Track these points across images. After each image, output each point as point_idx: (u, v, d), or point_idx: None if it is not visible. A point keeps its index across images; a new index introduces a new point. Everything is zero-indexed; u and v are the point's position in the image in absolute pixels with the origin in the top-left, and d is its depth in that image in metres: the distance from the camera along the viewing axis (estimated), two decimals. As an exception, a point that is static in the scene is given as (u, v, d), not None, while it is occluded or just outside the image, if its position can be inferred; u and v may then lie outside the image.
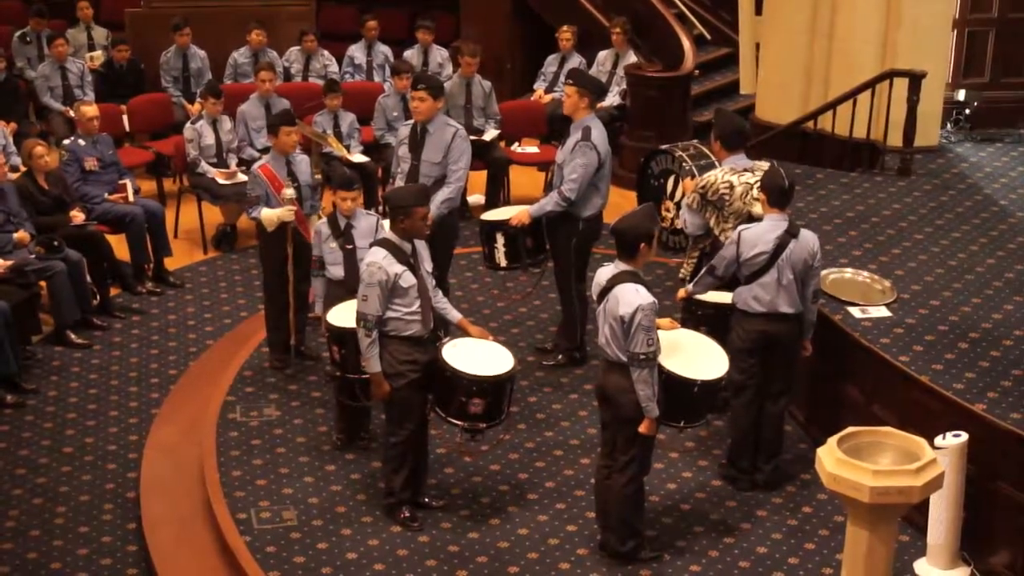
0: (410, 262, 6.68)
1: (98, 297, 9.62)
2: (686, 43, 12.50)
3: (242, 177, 10.39)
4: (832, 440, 5.68)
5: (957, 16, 10.95)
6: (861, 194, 9.73)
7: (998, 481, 6.36)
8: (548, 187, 10.09)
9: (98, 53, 13.12)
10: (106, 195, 9.95)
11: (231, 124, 11.03)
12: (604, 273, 6.40)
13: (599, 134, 8.14)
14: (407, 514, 6.93)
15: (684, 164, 9.92)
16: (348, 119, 11.37)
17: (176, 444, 7.87)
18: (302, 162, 8.58)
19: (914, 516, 6.66)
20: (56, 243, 9.10)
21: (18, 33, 13.30)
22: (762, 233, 6.98)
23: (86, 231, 9.54)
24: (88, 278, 9.42)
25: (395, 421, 6.82)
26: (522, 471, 7.49)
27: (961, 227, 9.10)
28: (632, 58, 12.43)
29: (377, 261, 6.62)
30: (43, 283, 9.10)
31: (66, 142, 10.13)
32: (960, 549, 6.43)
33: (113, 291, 9.85)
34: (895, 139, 10.16)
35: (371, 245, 6.87)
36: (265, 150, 9.58)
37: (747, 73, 11.69)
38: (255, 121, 11.22)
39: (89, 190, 9.88)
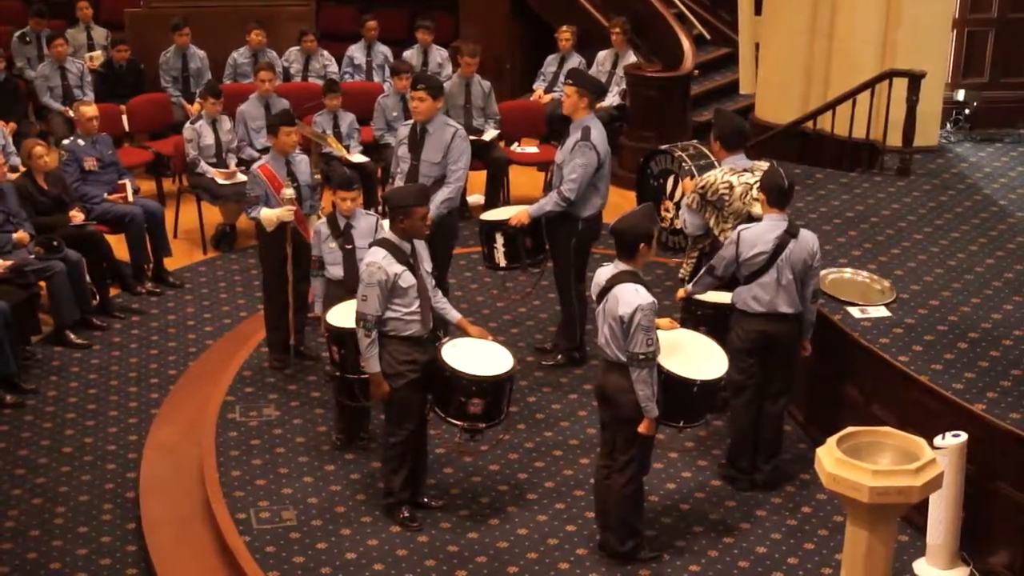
0: (409, 262, 6.68)
1: (97, 297, 9.61)
2: (686, 43, 12.50)
3: (241, 177, 10.39)
4: (831, 440, 5.68)
5: (957, 16, 10.95)
6: (860, 194, 9.73)
7: (997, 481, 6.37)
8: (548, 187, 10.09)
9: (97, 53, 13.12)
10: (105, 195, 9.95)
11: (230, 124, 11.03)
12: (603, 273, 6.40)
13: (598, 134, 8.14)
14: (406, 514, 6.93)
15: (684, 164, 9.92)
16: (348, 119, 11.37)
17: (175, 444, 7.87)
18: (301, 162, 8.58)
19: (913, 516, 6.66)
20: (55, 243, 9.10)
21: (18, 33, 13.30)
22: (761, 233, 6.98)
23: (85, 231, 9.54)
24: (87, 278, 9.42)
25: (394, 421, 6.82)
26: (521, 471, 7.49)
27: (960, 227, 9.10)
28: (631, 58, 12.43)
29: (376, 261, 6.62)
30: (42, 283, 9.10)
31: (65, 142, 10.13)
32: (959, 549, 6.43)
33: (112, 291, 9.85)
34: (894, 139, 10.16)
35: (370, 245, 6.87)
36: (265, 150, 9.58)
37: (747, 73, 11.69)
38: (255, 121, 11.22)
39: (88, 190, 9.87)
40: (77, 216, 9.54)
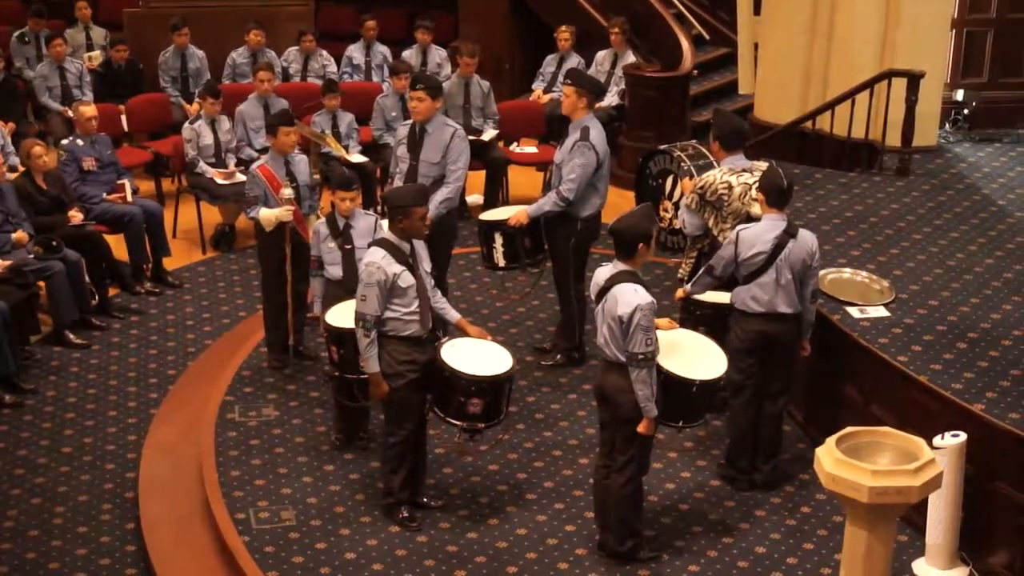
0: (409, 262, 6.68)
1: (96, 297, 9.61)
2: (684, 43, 12.51)
3: (240, 177, 10.38)
4: (831, 440, 5.69)
5: (956, 16, 10.95)
6: (859, 194, 9.73)
7: (997, 481, 6.37)
8: (547, 187, 10.09)
9: (96, 53, 13.11)
10: (104, 195, 9.94)
11: (229, 124, 11.03)
12: (602, 273, 6.40)
13: (597, 134, 8.14)
14: (406, 514, 6.93)
15: (683, 164, 9.92)
16: (347, 119, 11.36)
17: (175, 444, 7.87)
18: (301, 162, 8.58)
19: (913, 516, 6.66)
20: (54, 243, 9.10)
21: (17, 33, 13.30)
22: (760, 233, 6.98)
23: (84, 231, 9.53)
24: (87, 278, 9.42)
25: (394, 421, 6.82)
26: (521, 471, 7.49)
27: (959, 227, 9.10)
28: (631, 58, 12.43)
29: (376, 261, 6.62)
30: (42, 283, 9.10)
31: (64, 142, 10.12)
32: (959, 549, 6.43)
33: (112, 291, 9.85)
34: (893, 139, 10.16)
35: (369, 245, 6.87)
36: (264, 150, 9.58)
37: (746, 73, 11.69)
38: (254, 121, 11.22)
39: (87, 190, 9.87)
40: (76, 216, 9.53)
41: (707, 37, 13.90)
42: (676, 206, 9.80)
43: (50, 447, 7.91)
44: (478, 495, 7.24)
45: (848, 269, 8.26)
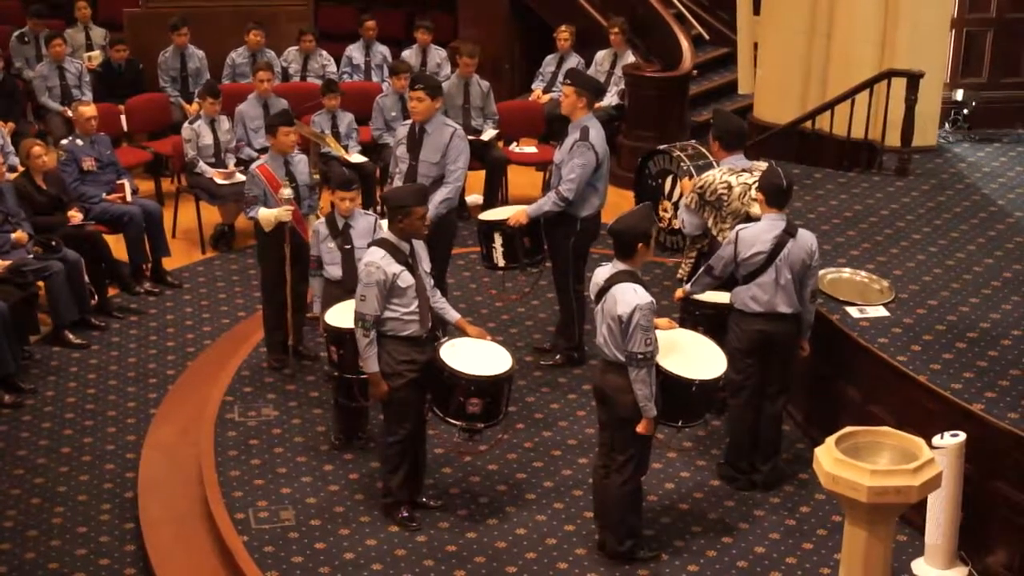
0: (408, 262, 6.68)
1: (96, 297, 9.60)
2: (684, 43, 12.51)
3: (240, 177, 10.38)
4: (830, 440, 5.69)
5: (955, 16, 10.95)
6: (859, 194, 9.73)
7: (996, 481, 6.36)
8: (546, 187, 10.09)
9: (96, 53, 13.11)
10: (104, 195, 9.94)
11: (229, 124, 11.02)
12: (602, 273, 6.40)
13: (597, 134, 8.14)
14: (405, 514, 6.93)
15: (682, 164, 9.92)
16: (346, 119, 11.36)
17: (174, 444, 7.87)
18: (300, 162, 8.58)
19: (912, 516, 6.66)
20: (54, 243, 9.10)
21: (16, 33, 13.30)
22: (760, 233, 6.99)
23: (84, 231, 9.53)
24: (86, 278, 9.41)
25: (393, 421, 6.82)
26: (520, 471, 7.49)
27: (959, 227, 9.10)
28: (630, 58, 12.43)
29: (375, 261, 6.62)
30: (41, 283, 9.09)
31: (64, 142, 10.12)
32: (958, 549, 6.43)
33: (111, 291, 9.85)
34: (893, 139, 10.16)
35: (369, 245, 6.88)
36: (263, 150, 9.58)
37: (745, 73, 11.69)
38: (253, 121, 11.22)
39: (87, 190, 9.87)
40: (75, 216, 9.53)
41: (707, 37, 13.89)
42: (675, 206, 9.80)
43: (49, 447, 7.90)
44: (477, 495, 7.24)
45: (847, 269, 8.26)
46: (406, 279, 6.64)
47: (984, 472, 6.37)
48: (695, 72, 12.69)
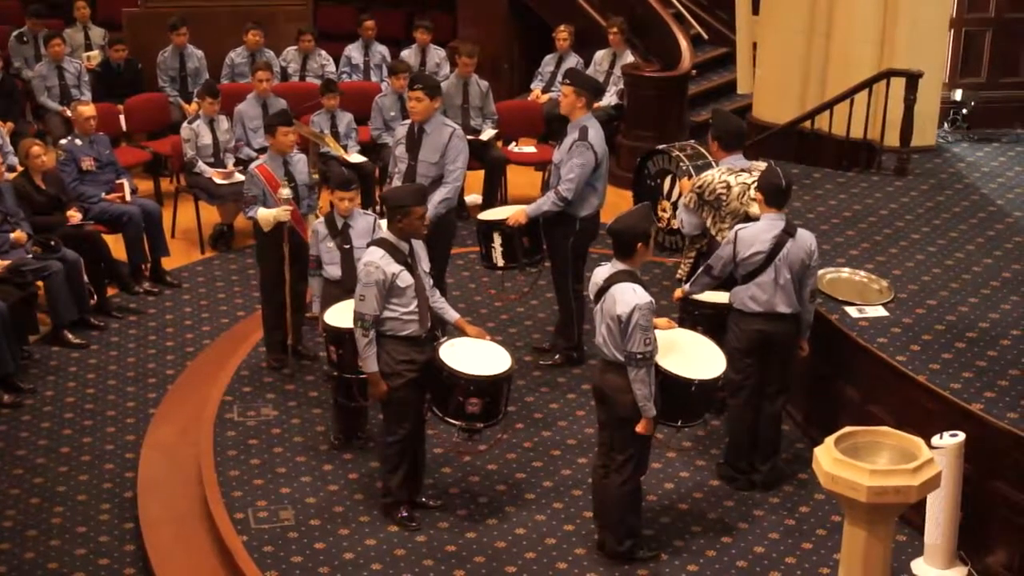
0: (407, 262, 6.68)
1: (95, 297, 9.60)
2: (683, 43, 12.51)
3: (239, 177, 10.38)
4: (829, 440, 5.69)
5: (954, 16, 10.95)
6: (858, 194, 9.74)
7: (995, 480, 6.37)
8: (545, 187, 10.09)
9: (95, 53, 13.11)
10: (103, 195, 9.94)
11: (228, 124, 11.02)
12: (601, 273, 6.40)
13: (596, 134, 8.14)
14: (405, 514, 6.93)
15: (681, 164, 9.92)
16: (345, 119, 11.36)
17: (173, 444, 7.87)
18: (299, 162, 8.58)
19: (911, 516, 6.66)
20: (53, 243, 9.10)
21: (15, 33, 13.29)
22: (759, 233, 6.99)
23: (83, 231, 9.53)
24: (85, 278, 9.41)
25: (392, 421, 6.82)
26: (520, 471, 7.49)
27: (958, 227, 9.10)
28: (629, 58, 12.43)
29: (374, 261, 6.62)
30: (40, 283, 9.09)
31: (63, 142, 10.12)
32: (957, 549, 6.43)
33: (110, 291, 9.84)
34: (892, 139, 10.16)
35: (368, 245, 6.87)
36: (262, 150, 9.58)
37: (744, 73, 11.69)
38: (252, 121, 11.22)
39: (86, 190, 9.87)
40: (75, 216, 9.53)
41: (706, 37, 13.89)
42: (674, 206, 9.80)
43: (49, 447, 7.90)
44: (477, 495, 7.24)
45: (847, 269, 8.26)
46: (405, 279, 6.64)
47: (983, 472, 6.38)
48: (694, 72, 12.70)
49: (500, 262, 8.39)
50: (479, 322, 8.48)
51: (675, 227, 9.38)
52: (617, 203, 9.76)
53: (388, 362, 6.69)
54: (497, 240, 8.31)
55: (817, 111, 10.49)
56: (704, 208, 7.73)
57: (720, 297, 7.37)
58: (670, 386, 6.44)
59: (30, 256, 8.96)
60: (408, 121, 8.36)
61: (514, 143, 12.22)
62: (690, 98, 12.62)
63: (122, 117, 12.13)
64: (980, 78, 11.38)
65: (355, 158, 11.09)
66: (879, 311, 7.74)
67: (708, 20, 14.00)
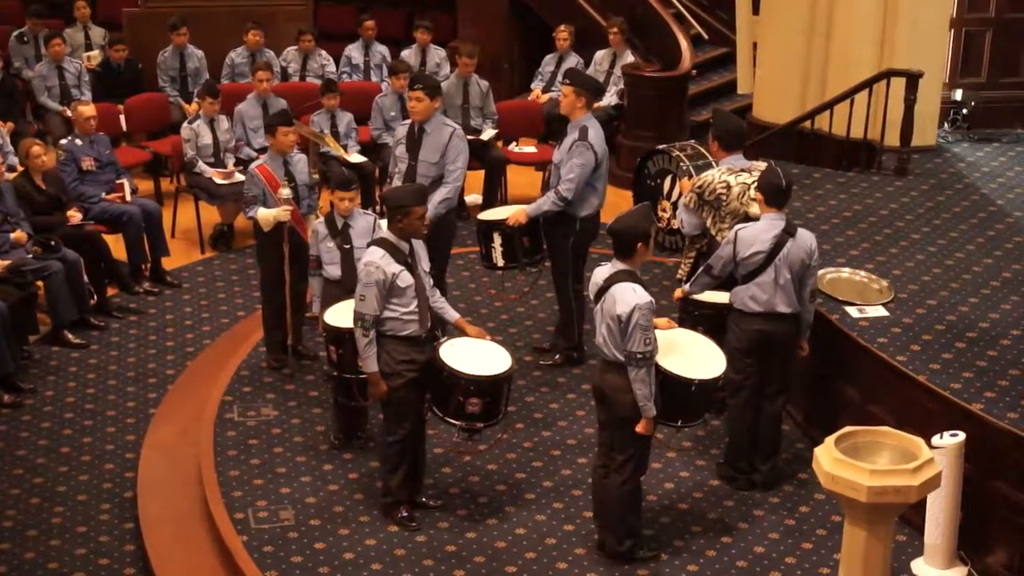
0: (408, 262, 6.68)
1: (95, 297, 9.60)
2: (683, 43, 12.51)
3: (239, 177, 10.38)
4: (829, 440, 5.69)
5: (955, 16, 10.95)
6: (858, 194, 9.74)
7: (995, 480, 6.37)
8: (545, 187, 10.09)
9: (95, 53, 13.11)
10: (103, 195, 9.94)
11: (228, 124, 11.02)
12: (601, 272, 6.40)
13: (596, 134, 8.14)
14: (405, 514, 6.93)
15: (681, 164, 9.92)
16: (345, 119, 11.36)
17: (174, 444, 7.87)
18: (299, 162, 8.58)
19: (911, 516, 6.66)
20: (53, 243, 9.10)
21: (15, 33, 13.29)
22: (759, 232, 6.98)
23: (83, 231, 9.53)
24: (85, 278, 9.41)
25: (392, 421, 6.81)
26: (520, 471, 7.49)
27: (958, 227, 9.10)
28: (629, 58, 12.43)
29: (375, 261, 6.62)
30: (40, 283, 9.09)
31: (63, 142, 10.12)
32: (957, 549, 6.43)
33: (110, 291, 9.84)
34: (892, 139, 10.16)
35: (369, 245, 6.87)
36: (263, 150, 9.58)
37: (744, 73, 11.69)
38: (252, 121, 11.22)
39: (86, 190, 9.87)
40: (75, 216, 9.53)
41: (706, 37, 13.89)
42: (674, 206, 9.80)
43: (49, 447, 7.90)
44: (477, 495, 7.24)
45: (847, 269, 8.26)
46: (405, 279, 6.64)
47: (983, 472, 6.38)
48: (694, 72, 12.69)
49: (500, 262, 8.39)
50: (479, 322, 8.48)
51: (675, 227, 9.38)
52: (617, 203, 9.77)
53: (388, 362, 6.69)
54: (497, 240, 8.31)
55: (817, 111, 10.49)
56: (704, 208, 7.73)
57: (720, 297, 7.37)
58: (670, 386, 6.44)
59: (30, 256, 8.96)
60: (408, 121, 8.36)
61: (514, 143, 12.22)
62: (690, 98, 12.62)
63: (122, 117, 12.13)
64: (980, 78, 11.38)
65: (355, 158, 11.10)
66: (879, 311, 7.74)
67: (708, 20, 14.00)
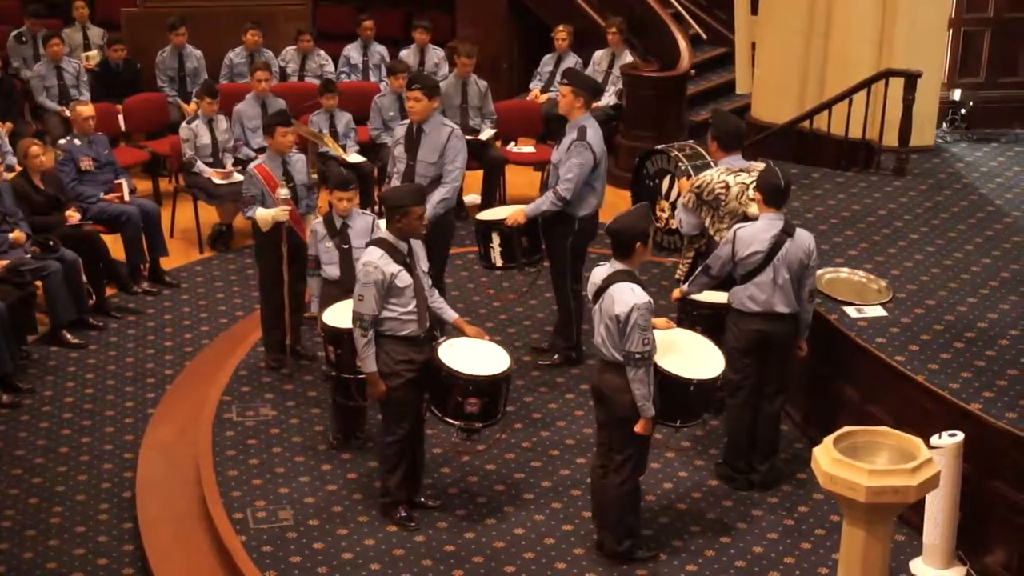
0: (406, 262, 6.68)
1: (94, 297, 9.60)
2: (682, 43, 12.51)
3: (238, 177, 10.38)
4: (828, 440, 5.69)
5: (953, 16, 10.96)
6: (857, 194, 9.74)
7: (994, 480, 6.37)
8: (544, 187, 10.08)
9: (94, 53, 13.11)
10: (102, 195, 9.93)
11: (227, 124, 11.02)
12: (600, 272, 6.40)
13: (594, 134, 8.14)
14: (403, 514, 6.93)
15: (680, 164, 9.92)
16: (344, 119, 11.36)
17: (172, 444, 7.87)
18: (298, 162, 8.58)
19: (910, 515, 6.66)
20: (52, 243, 9.10)
21: (14, 33, 13.29)
22: (757, 232, 6.99)
23: (82, 231, 9.53)
24: (84, 278, 9.40)
25: (391, 421, 6.81)
26: (518, 471, 7.49)
27: (957, 227, 9.10)
28: (628, 58, 12.43)
29: (373, 261, 6.62)
30: (39, 283, 9.08)
31: (62, 142, 10.12)
32: (956, 549, 6.43)
33: (109, 291, 9.84)
34: (891, 139, 10.16)
35: (367, 245, 6.87)
36: (261, 150, 9.58)
37: (743, 73, 11.69)
38: (251, 121, 11.21)
39: (85, 190, 9.87)
40: (73, 216, 9.53)
41: (704, 37, 13.90)
42: (673, 206, 9.80)
43: (47, 447, 7.90)
44: (476, 495, 7.24)
45: (845, 268, 8.26)
46: (404, 279, 6.64)
47: (982, 472, 6.38)
48: (693, 72, 12.70)
49: (499, 262, 8.39)
50: (478, 322, 8.48)
51: (673, 227, 9.37)
52: (616, 203, 9.76)
53: (387, 362, 6.68)
54: (496, 240, 8.31)
55: (816, 111, 10.49)
56: (703, 208, 7.73)
57: (719, 297, 7.36)
58: (669, 386, 6.44)
59: (29, 256, 8.95)
60: (407, 121, 8.36)
61: (513, 143, 12.22)
62: (689, 98, 12.62)
63: (121, 117, 12.12)
64: (979, 78, 11.39)
65: (354, 158, 11.09)
66: (878, 311, 7.74)
67: (707, 20, 14.01)
